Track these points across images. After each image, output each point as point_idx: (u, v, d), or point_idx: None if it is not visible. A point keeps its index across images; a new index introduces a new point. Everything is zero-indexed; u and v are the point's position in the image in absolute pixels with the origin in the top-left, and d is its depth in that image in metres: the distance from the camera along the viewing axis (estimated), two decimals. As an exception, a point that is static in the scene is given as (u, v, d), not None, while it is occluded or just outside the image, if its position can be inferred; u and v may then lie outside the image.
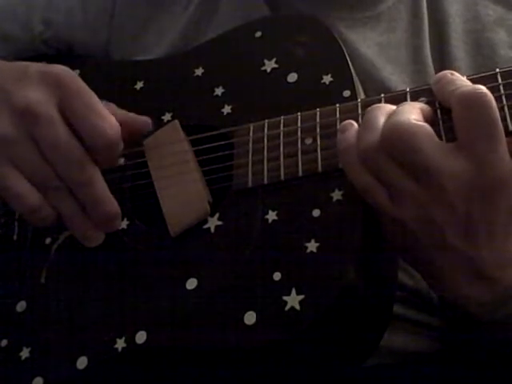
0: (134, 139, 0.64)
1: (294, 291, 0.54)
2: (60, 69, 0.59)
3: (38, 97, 0.57)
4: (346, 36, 0.72)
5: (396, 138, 0.52)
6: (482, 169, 0.52)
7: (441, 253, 0.54)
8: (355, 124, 0.56)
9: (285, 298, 0.54)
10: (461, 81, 0.55)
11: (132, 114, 0.64)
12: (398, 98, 0.58)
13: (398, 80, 0.72)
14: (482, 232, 0.53)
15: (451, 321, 0.66)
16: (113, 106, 0.63)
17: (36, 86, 0.58)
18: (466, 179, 0.52)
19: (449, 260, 0.54)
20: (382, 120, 0.54)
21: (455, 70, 0.59)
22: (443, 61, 0.73)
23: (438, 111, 0.56)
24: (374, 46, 0.74)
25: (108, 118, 0.58)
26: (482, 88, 0.52)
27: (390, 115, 0.54)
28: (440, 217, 0.53)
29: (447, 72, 0.57)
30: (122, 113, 0.63)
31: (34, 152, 0.57)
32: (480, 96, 0.52)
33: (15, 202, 0.58)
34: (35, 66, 0.60)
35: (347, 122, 0.57)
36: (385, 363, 0.65)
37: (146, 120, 0.64)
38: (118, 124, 0.59)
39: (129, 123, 0.63)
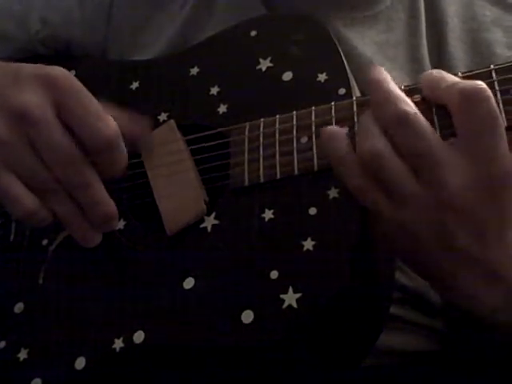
0: (134, 141, 0.63)
1: (291, 289, 0.54)
2: (56, 70, 0.59)
3: (33, 99, 0.57)
4: (344, 35, 0.72)
5: (402, 122, 0.53)
6: (486, 166, 0.52)
7: (444, 254, 0.53)
8: (342, 130, 0.56)
9: (282, 296, 0.54)
10: (451, 77, 0.55)
11: (131, 116, 0.63)
12: None
13: (396, 79, 0.71)
14: (493, 231, 0.53)
15: (452, 321, 0.66)
16: (111, 107, 0.63)
17: (31, 88, 0.57)
18: (470, 178, 0.52)
19: (452, 261, 0.53)
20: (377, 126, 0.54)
21: (453, 70, 0.59)
22: (441, 60, 0.74)
23: (434, 109, 0.55)
24: (372, 44, 0.74)
25: (105, 118, 0.58)
26: (482, 83, 0.52)
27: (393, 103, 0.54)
28: (444, 216, 0.52)
29: (433, 70, 0.57)
30: (121, 116, 0.63)
31: (31, 155, 0.57)
32: (481, 91, 0.52)
33: (11, 205, 0.58)
34: (29, 68, 0.59)
35: (330, 128, 0.56)
36: (384, 363, 0.65)
37: (145, 121, 0.64)
38: (115, 124, 0.58)
39: (127, 126, 0.62)
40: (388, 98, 0.54)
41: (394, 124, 0.53)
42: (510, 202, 0.53)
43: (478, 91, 0.52)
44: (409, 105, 0.54)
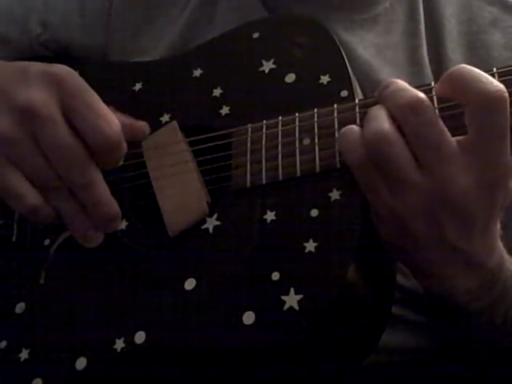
0: (131, 143, 0.63)
1: (292, 291, 0.54)
2: (61, 68, 0.59)
3: (39, 96, 0.57)
4: (343, 38, 0.73)
5: (415, 108, 0.53)
6: (493, 170, 0.52)
7: (430, 243, 0.55)
8: (355, 126, 0.56)
9: (283, 297, 0.54)
10: (477, 75, 0.54)
11: (130, 119, 0.64)
12: None
13: None
14: (479, 227, 0.54)
15: (438, 316, 0.67)
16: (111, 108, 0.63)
17: (37, 86, 0.57)
18: (475, 179, 0.52)
19: (437, 250, 0.55)
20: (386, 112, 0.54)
21: None
22: (439, 62, 0.74)
23: (436, 111, 0.55)
24: (371, 47, 0.74)
25: (109, 118, 0.58)
26: (504, 89, 0.52)
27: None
28: (439, 211, 0.53)
29: (464, 66, 0.55)
30: (120, 117, 0.63)
31: (35, 152, 0.57)
32: (506, 98, 0.52)
33: (15, 202, 0.58)
34: (36, 66, 0.59)
35: (347, 127, 0.57)
36: (384, 362, 0.65)
37: (144, 125, 0.64)
38: (119, 124, 0.58)
39: (127, 128, 0.62)
40: (401, 86, 0.55)
41: (407, 110, 0.53)
42: (499, 201, 0.54)
43: (505, 98, 0.52)
44: (422, 93, 0.54)
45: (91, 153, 0.58)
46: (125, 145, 0.59)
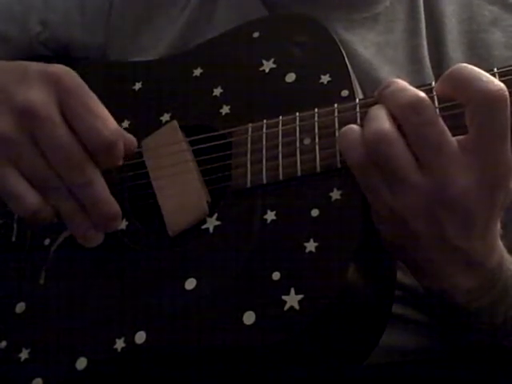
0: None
1: (293, 291, 0.54)
2: (60, 68, 0.59)
3: (38, 97, 0.57)
4: (343, 37, 0.73)
5: (415, 107, 0.52)
6: (493, 170, 0.52)
7: (430, 242, 0.54)
8: (355, 126, 0.56)
9: (284, 297, 0.54)
10: (478, 75, 0.54)
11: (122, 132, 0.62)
12: None
13: None
14: (479, 227, 0.54)
15: (437, 315, 0.67)
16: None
17: (36, 86, 0.57)
18: (475, 179, 0.52)
19: (437, 249, 0.55)
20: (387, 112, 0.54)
21: None
22: (440, 61, 0.74)
23: (437, 110, 0.55)
24: (371, 46, 0.74)
25: (106, 119, 0.58)
26: (505, 88, 0.52)
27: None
28: (440, 211, 0.53)
29: (464, 65, 0.55)
30: None
31: (34, 152, 0.57)
32: (506, 97, 0.52)
33: (14, 202, 0.58)
34: (35, 66, 0.59)
35: (347, 126, 0.56)
36: (384, 362, 0.65)
37: (132, 140, 0.63)
38: (116, 126, 0.58)
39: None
40: (402, 86, 0.55)
41: (407, 109, 0.53)
42: (499, 201, 0.54)
43: (505, 97, 0.52)
44: (423, 93, 0.54)
45: (89, 153, 0.58)
46: (122, 145, 0.59)
